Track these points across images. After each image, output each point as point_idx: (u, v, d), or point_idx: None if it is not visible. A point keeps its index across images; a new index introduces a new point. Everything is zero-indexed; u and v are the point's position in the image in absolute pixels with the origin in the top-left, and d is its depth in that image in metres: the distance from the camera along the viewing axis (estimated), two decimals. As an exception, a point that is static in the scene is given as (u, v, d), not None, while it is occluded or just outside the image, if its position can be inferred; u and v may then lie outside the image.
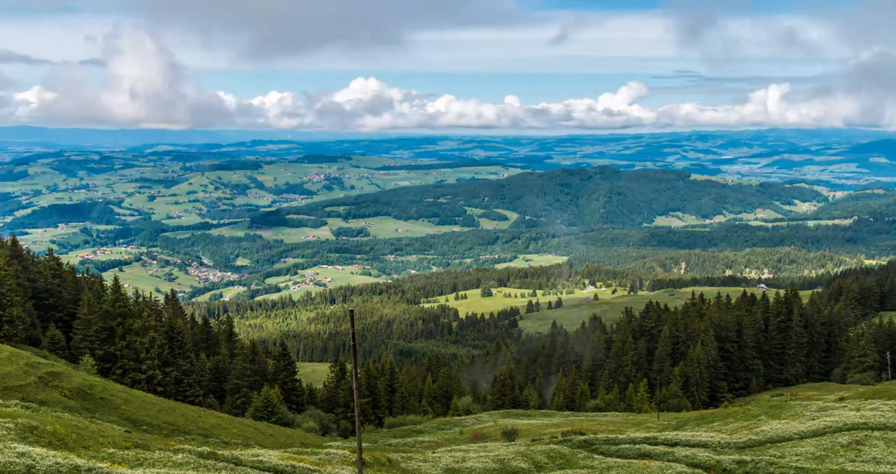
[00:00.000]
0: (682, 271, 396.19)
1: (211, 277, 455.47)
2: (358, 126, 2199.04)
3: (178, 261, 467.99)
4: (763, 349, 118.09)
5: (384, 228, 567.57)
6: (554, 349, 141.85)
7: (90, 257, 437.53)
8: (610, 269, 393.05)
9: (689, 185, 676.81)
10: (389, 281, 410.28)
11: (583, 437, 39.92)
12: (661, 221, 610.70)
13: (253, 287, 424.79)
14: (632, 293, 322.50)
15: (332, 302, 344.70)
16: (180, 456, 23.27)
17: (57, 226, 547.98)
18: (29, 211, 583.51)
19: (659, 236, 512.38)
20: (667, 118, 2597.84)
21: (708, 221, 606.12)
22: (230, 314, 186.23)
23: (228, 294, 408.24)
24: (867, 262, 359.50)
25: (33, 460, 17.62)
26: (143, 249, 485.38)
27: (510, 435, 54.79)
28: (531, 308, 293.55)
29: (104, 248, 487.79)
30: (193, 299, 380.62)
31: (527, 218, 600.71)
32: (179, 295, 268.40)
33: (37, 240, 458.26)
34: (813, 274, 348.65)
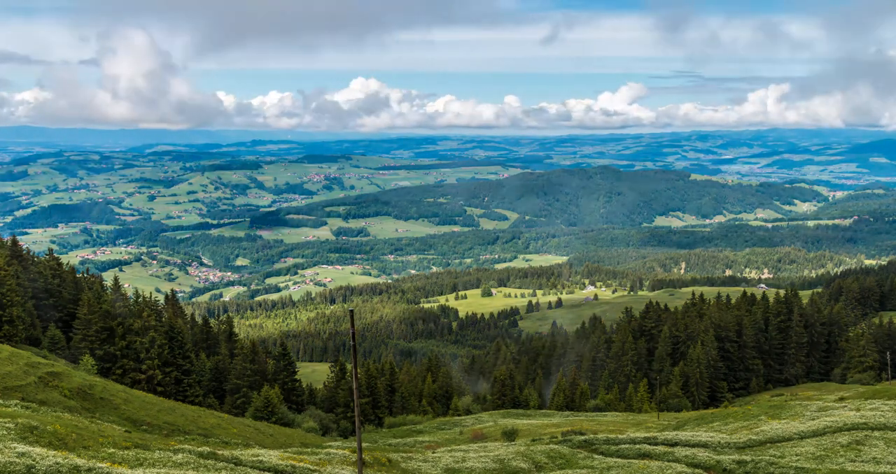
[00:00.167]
0: (682, 271, 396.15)
1: (211, 277, 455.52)
2: (358, 126, 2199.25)
3: (178, 261, 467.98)
4: (763, 349, 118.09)
5: (384, 228, 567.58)
6: (554, 349, 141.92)
7: (90, 257, 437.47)
8: (610, 269, 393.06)
9: (689, 185, 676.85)
10: (389, 281, 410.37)
11: (583, 437, 39.91)
12: (661, 221, 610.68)
13: (253, 287, 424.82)
14: (632, 293, 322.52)
15: (332, 302, 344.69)
16: (180, 456, 23.27)
17: (57, 226, 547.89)
18: (29, 211, 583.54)
19: (659, 236, 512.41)
20: (666, 118, 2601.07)
21: (708, 221, 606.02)
22: (230, 314, 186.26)
23: (228, 294, 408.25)
24: (867, 262, 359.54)
25: (33, 460, 17.61)
26: (143, 249, 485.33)
27: (510, 435, 54.79)
28: (531, 308, 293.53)
29: (104, 248, 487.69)
30: (193, 299, 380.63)
31: (527, 218, 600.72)
32: (179, 295, 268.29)
33: (37, 240, 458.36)
34: (813, 274, 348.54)
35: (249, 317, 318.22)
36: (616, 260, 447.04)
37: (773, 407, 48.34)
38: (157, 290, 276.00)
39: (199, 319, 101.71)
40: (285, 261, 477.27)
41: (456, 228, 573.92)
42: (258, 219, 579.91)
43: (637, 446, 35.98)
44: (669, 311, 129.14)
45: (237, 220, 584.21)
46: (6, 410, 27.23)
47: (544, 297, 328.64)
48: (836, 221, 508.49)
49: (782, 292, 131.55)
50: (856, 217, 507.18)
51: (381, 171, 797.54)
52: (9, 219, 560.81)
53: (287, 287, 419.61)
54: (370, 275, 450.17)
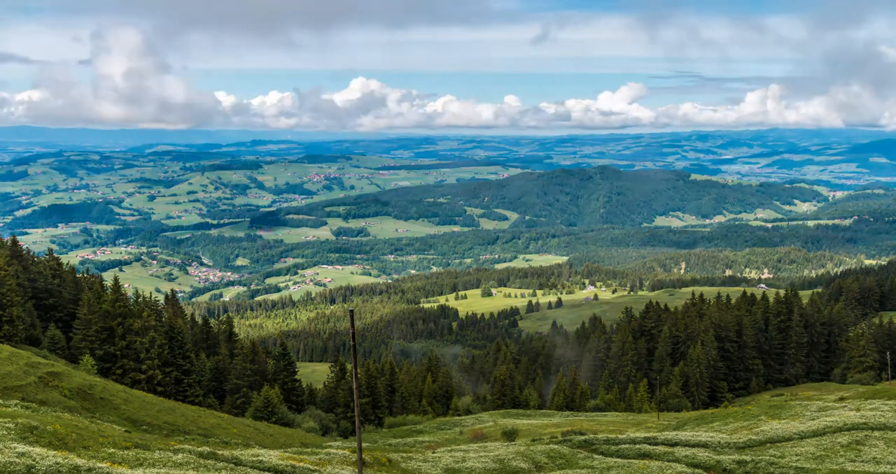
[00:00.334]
0: (682, 271, 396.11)
1: (211, 277, 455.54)
2: (357, 126, 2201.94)
3: (178, 261, 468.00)
4: (763, 349, 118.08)
5: (384, 228, 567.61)
6: (554, 349, 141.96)
7: (90, 257, 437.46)
8: (610, 269, 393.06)
9: (689, 185, 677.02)
10: (389, 281, 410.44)
11: (583, 437, 39.91)
12: (661, 221, 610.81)
13: (253, 287, 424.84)
14: (632, 293, 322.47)
15: (332, 302, 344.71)
16: (180, 456, 23.26)
17: (57, 226, 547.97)
18: (29, 211, 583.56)
19: (659, 236, 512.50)
20: (666, 118, 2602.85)
21: (708, 221, 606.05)
22: (230, 314, 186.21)
23: (228, 294, 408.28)
24: (867, 262, 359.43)
25: (33, 460, 17.61)
26: (143, 249, 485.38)
27: (510, 435, 54.77)
28: (531, 308, 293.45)
29: (104, 248, 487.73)
30: (193, 299, 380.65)
31: (527, 218, 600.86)
32: (179, 295, 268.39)
33: (37, 240, 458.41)
34: (813, 274, 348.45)
35: (249, 317, 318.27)
36: (616, 260, 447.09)
37: (773, 408, 48.34)
38: (157, 290, 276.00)
39: (199, 319, 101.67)
40: (285, 261, 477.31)
41: (456, 228, 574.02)
42: (258, 219, 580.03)
43: (637, 446, 35.98)
44: (669, 311, 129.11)
45: (237, 220, 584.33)
46: (6, 410, 27.22)
47: (544, 297, 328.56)
48: (836, 221, 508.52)
49: (782, 292, 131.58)
50: (856, 217, 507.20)
51: (381, 171, 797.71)
52: (9, 219, 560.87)
53: (287, 287, 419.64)
54: (370, 275, 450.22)
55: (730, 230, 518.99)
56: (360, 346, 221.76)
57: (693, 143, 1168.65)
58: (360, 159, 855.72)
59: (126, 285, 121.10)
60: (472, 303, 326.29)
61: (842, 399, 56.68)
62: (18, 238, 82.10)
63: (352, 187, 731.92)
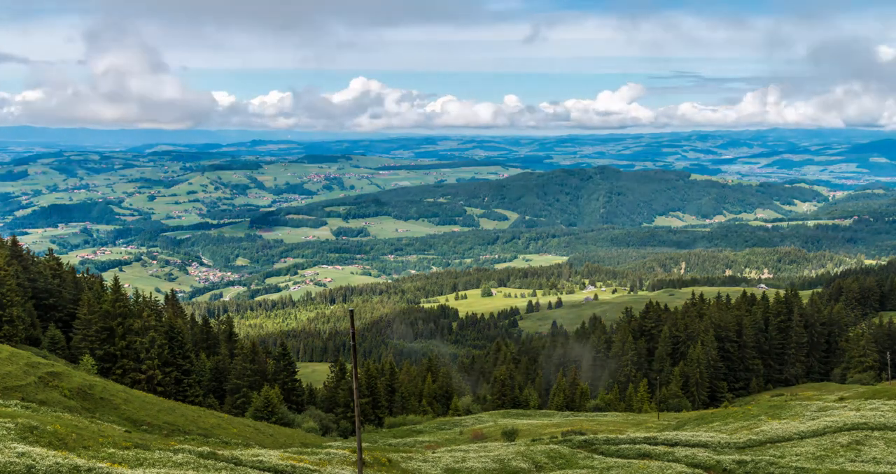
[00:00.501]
0: (682, 271, 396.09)
1: (211, 277, 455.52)
2: (357, 126, 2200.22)
3: (178, 261, 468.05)
4: (763, 349, 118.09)
5: (384, 228, 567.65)
6: (554, 349, 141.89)
7: (90, 257, 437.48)
8: (610, 269, 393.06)
9: (689, 185, 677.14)
10: (389, 281, 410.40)
11: (583, 437, 39.92)
12: (661, 221, 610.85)
13: (253, 287, 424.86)
14: (632, 293, 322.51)
15: (332, 302, 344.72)
16: (180, 456, 23.26)
17: (57, 226, 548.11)
18: (29, 211, 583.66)
19: (659, 236, 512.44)
20: (665, 118, 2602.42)
21: (708, 221, 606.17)
22: (230, 314, 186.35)
23: (228, 294, 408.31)
24: (867, 262, 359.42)
25: (33, 460, 17.61)
26: (143, 249, 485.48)
27: (510, 435, 54.77)
28: (531, 308, 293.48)
29: (104, 248, 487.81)
30: (193, 299, 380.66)
31: (527, 218, 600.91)
32: (179, 295, 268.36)
33: (37, 240, 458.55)
34: (813, 274, 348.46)
35: (249, 317, 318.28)
36: (616, 260, 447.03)
37: (773, 408, 48.34)
38: (157, 290, 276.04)
39: (199, 319, 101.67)
40: (285, 261, 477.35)
41: (456, 228, 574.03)
42: (258, 219, 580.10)
43: (637, 446, 35.98)
44: (669, 311, 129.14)
45: (237, 220, 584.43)
46: (6, 410, 27.23)
47: (544, 297, 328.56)
48: (836, 221, 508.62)
49: (782, 292, 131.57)
50: (856, 217, 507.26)
51: (381, 171, 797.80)
52: (9, 219, 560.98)
53: (287, 287, 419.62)
54: (370, 275, 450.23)
55: (730, 230, 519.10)
56: (360, 346, 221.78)
57: (693, 143, 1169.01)
58: (360, 159, 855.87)
59: (126, 285, 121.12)
60: (472, 303, 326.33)
61: (842, 399, 56.69)
62: (18, 238, 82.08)
63: (352, 187, 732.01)
